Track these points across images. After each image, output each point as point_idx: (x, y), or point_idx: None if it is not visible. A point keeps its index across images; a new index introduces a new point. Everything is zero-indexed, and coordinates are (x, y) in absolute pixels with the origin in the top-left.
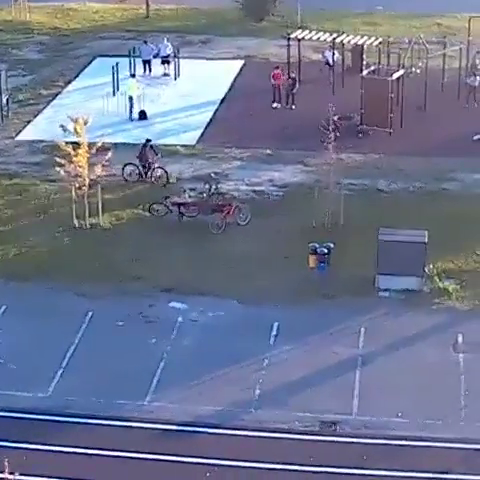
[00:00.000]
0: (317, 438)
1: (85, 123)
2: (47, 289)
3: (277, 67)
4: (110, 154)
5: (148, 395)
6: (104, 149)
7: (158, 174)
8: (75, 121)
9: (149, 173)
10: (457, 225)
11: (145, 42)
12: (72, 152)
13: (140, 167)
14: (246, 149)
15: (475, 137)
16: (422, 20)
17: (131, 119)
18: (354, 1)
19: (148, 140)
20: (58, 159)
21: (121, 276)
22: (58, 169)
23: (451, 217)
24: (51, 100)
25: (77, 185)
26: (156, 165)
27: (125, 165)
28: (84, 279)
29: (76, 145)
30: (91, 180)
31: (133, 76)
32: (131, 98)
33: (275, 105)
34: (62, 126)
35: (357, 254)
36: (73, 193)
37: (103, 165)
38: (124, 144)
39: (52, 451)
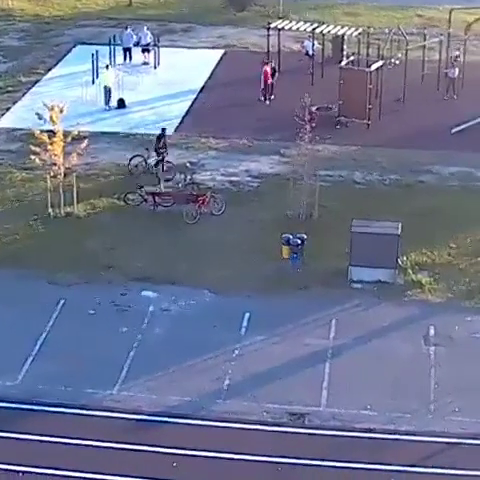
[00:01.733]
0: (285, 430)
1: (61, 111)
2: (20, 276)
3: (267, 63)
4: (86, 143)
5: (117, 384)
6: (80, 138)
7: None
8: (51, 109)
9: (160, 164)
10: (432, 218)
11: (126, 27)
12: (47, 140)
13: (150, 159)
14: (223, 139)
15: (454, 130)
16: (404, 11)
17: (109, 108)
18: None
19: (163, 129)
20: (33, 147)
21: (94, 265)
22: (33, 157)
23: (426, 210)
24: (30, 87)
25: (52, 173)
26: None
27: (132, 157)
28: (57, 267)
29: (52, 133)
30: (66, 169)
31: (107, 67)
32: (106, 88)
33: (263, 99)
34: (38, 114)
35: (331, 245)
36: (48, 181)
37: (78, 154)
38: (102, 133)
39: (20, 439)
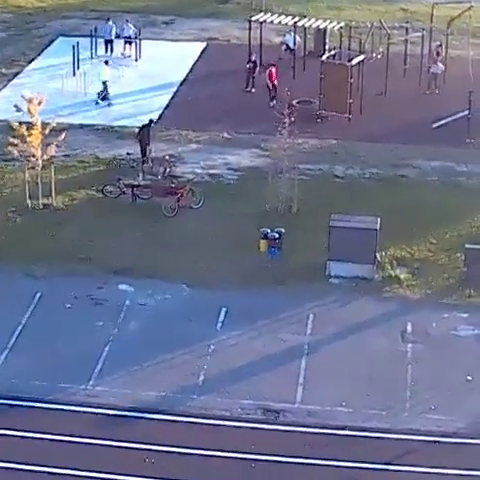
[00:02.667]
0: (259, 426)
1: (39, 103)
2: None
3: (273, 64)
4: (64, 135)
5: (92, 379)
6: (59, 130)
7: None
8: (29, 101)
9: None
10: (412, 213)
11: (107, 19)
12: (25, 132)
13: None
14: (203, 132)
15: (435, 124)
16: (387, 5)
17: (100, 101)
18: None
19: (151, 121)
20: (11, 139)
21: (71, 257)
22: (11, 149)
23: (406, 204)
24: (11, 79)
25: (30, 165)
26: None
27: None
28: (34, 260)
29: (30, 125)
30: (45, 160)
31: (107, 62)
32: (104, 83)
33: (272, 104)
34: (16, 106)
35: (309, 240)
36: (26, 173)
37: (57, 145)
38: (82, 125)
39: None
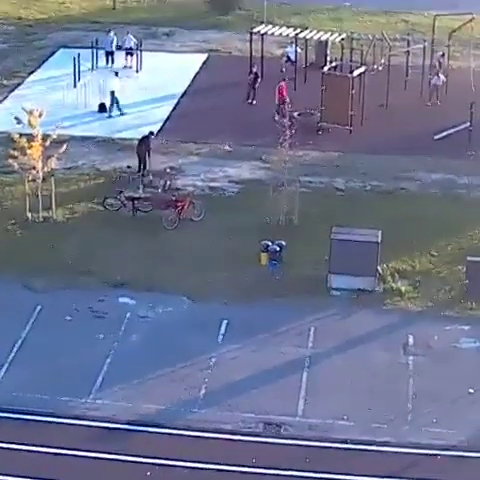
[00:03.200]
0: (261, 439)
1: (40, 115)
2: None
3: (284, 79)
4: (65, 147)
5: (92, 392)
6: (60, 141)
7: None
8: (30, 113)
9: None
10: (413, 225)
11: (108, 31)
12: (26, 144)
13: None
14: (204, 144)
15: (436, 136)
16: (389, 17)
17: (116, 112)
18: None
19: (151, 133)
20: (12, 151)
21: (72, 270)
22: (11, 161)
23: (407, 217)
24: (12, 90)
25: (31, 177)
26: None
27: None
28: (34, 272)
29: (31, 137)
30: (45, 173)
31: (116, 74)
32: (113, 93)
33: (277, 118)
34: (16, 118)
35: (310, 252)
36: (26, 186)
37: (57, 158)
38: (83, 137)
39: None
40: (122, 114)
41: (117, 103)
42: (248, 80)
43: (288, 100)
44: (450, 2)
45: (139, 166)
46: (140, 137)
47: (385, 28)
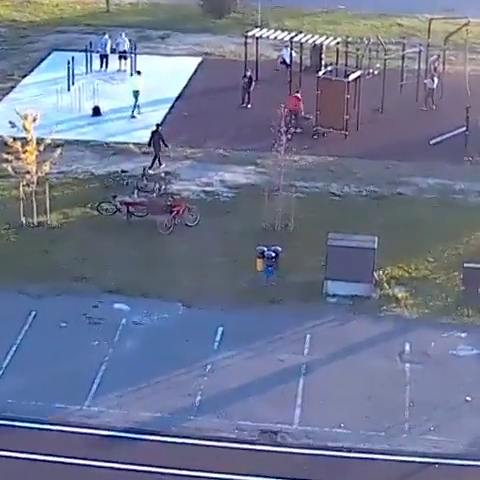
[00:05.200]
0: (257, 447)
1: (34, 120)
2: None
3: (297, 91)
4: (59, 151)
5: (87, 399)
6: (54, 146)
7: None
8: (24, 117)
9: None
10: (409, 231)
11: (103, 34)
12: (20, 149)
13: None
14: (199, 149)
15: (432, 141)
16: (383, 20)
17: (135, 114)
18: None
19: (158, 125)
20: (5, 155)
21: (66, 276)
22: (5, 165)
23: (404, 222)
24: (6, 94)
25: (25, 182)
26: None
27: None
28: (28, 278)
29: (25, 141)
30: (39, 177)
31: (139, 73)
32: (136, 93)
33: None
34: (11, 122)
35: (306, 258)
36: (21, 190)
37: (52, 162)
38: (77, 141)
39: None
40: (133, 117)
41: (136, 103)
42: (242, 84)
43: (302, 110)
44: (445, 6)
45: (153, 161)
46: (150, 133)
47: (380, 31)
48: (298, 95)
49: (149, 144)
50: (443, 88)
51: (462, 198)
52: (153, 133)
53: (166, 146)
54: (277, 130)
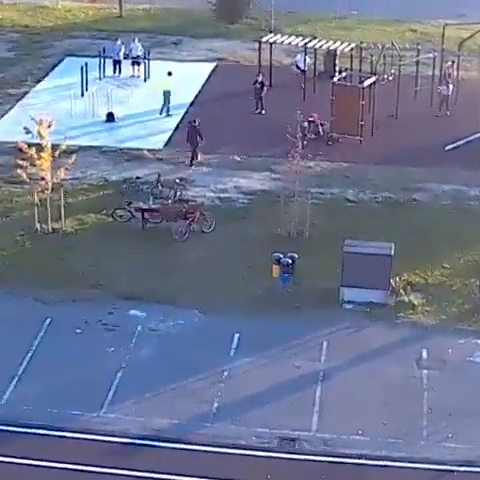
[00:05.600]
0: (275, 455)
1: (49, 126)
2: (5, 294)
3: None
4: (74, 157)
5: (104, 406)
6: (69, 152)
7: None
8: (39, 124)
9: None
10: (425, 237)
11: (116, 39)
12: (35, 155)
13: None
14: (214, 155)
15: (447, 147)
16: (397, 26)
17: (164, 113)
18: (330, 5)
19: (194, 120)
20: (20, 161)
21: (81, 282)
22: (20, 171)
23: (419, 229)
24: (19, 100)
25: (40, 188)
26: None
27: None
28: (44, 284)
29: (39, 147)
30: (54, 183)
31: (170, 74)
32: (168, 93)
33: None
34: (25, 128)
35: (322, 265)
36: (35, 196)
37: (66, 168)
38: (91, 147)
39: (3, 462)
40: (169, 115)
41: (166, 104)
42: (254, 89)
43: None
44: (457, 12)
45: (192, 157)
46: (186, 129)
47: (393, 37)
48: (315, 115)
49: (187, 140)
50: (457, 94)
51: (477, 204)
52: (189, 128)
53: (201, 139)
54: (293, 136)
